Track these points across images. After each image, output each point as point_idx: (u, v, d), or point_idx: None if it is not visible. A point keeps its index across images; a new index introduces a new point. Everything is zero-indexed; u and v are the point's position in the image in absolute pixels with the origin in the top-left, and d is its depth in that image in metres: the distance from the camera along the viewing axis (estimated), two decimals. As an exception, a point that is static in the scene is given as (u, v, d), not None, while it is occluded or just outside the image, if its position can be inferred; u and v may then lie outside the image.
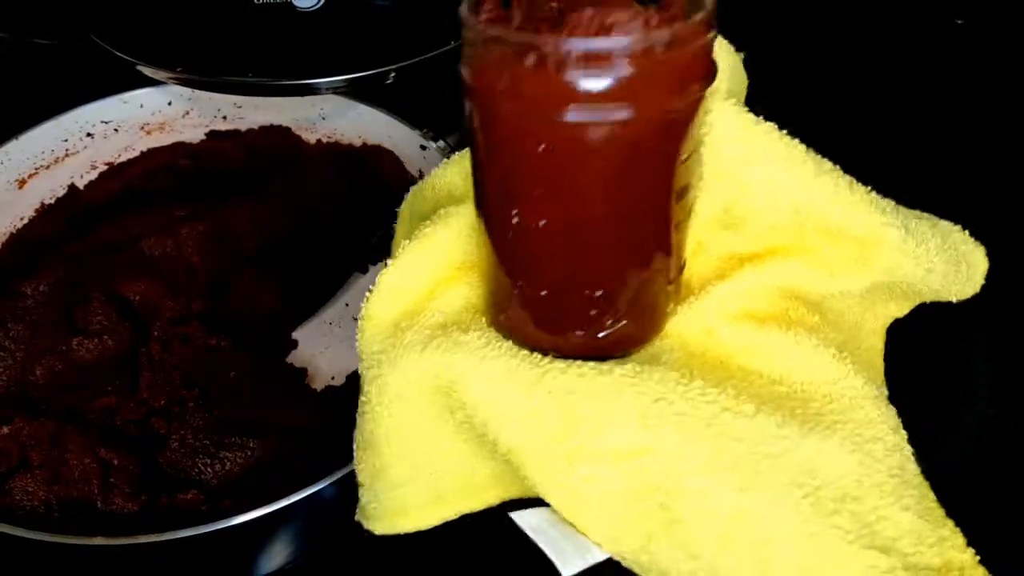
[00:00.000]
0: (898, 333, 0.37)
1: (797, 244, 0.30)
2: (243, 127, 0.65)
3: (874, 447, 0.28)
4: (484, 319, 0.30)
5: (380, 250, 0.59)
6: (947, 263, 0.31)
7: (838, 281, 0.31)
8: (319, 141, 0.64)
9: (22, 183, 0.59)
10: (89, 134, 0.61)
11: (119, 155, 0.63)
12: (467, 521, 0.51)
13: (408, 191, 0.40)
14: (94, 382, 0.50)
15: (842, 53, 0.77)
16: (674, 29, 0.23)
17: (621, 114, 0.23)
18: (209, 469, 0.46)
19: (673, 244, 0.27)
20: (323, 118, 0.63)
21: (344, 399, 0.48)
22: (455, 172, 0.36)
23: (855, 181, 0.30)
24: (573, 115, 0.23)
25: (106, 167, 0.63)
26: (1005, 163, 0.67)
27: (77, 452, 0.44)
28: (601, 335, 0.28)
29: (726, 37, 0.41)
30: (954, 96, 0.72)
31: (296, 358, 0.54)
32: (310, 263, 0.57)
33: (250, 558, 0.44)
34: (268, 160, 0.63)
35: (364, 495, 0.35)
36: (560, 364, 0.28)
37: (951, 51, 0.77)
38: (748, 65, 0.41)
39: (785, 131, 0.30)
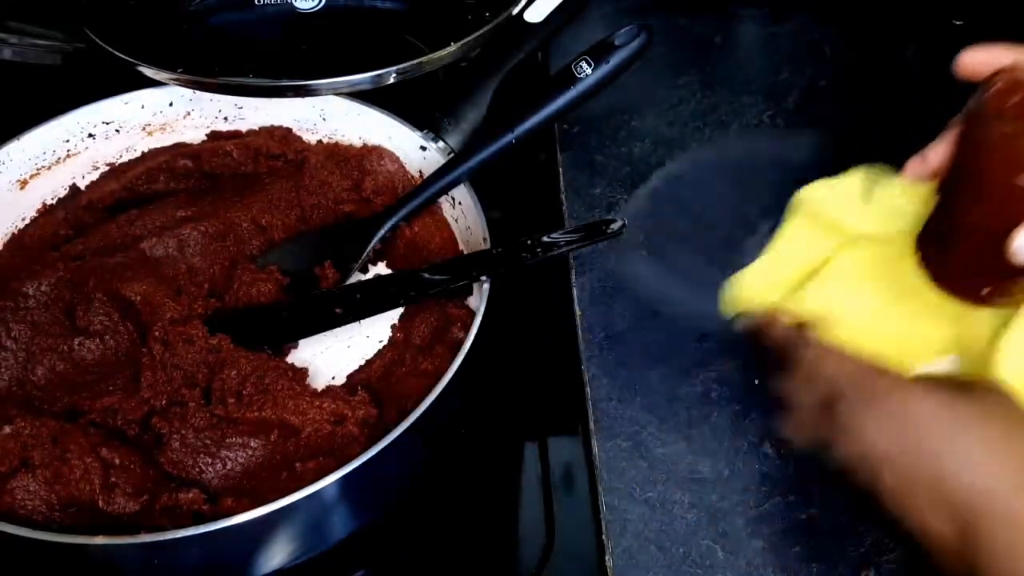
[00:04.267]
0: None
1: None
2: (244, 128, 0.65)
3: None
4: None
5: (380, 251, 0.59)
6: None
7: None
8: (320, 142, 0.64)
9: (24, 184, 0.59)
10: (91, 135, 0.61)
11: (120, 156, 0.63)
12: (467, 524, 0.51)
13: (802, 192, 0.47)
14: (95, 382, 0.50)
15: (842, 51, 0.78)
16: None
17: None
18: (210, 468, 0.46)
19: None
20: (324, 119, 0.63)
21: (344, 398, 0.49)
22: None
23: None
24: None
25: (107, 168, 0.63)
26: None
27: (78, 452, 0.45)
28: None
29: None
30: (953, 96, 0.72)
31: (297, 358, 0.54)
32: (311, 263, 0.57)
33: (251, 558, 0.44)
34: (269, 161, 0.63)
35: None
36: None
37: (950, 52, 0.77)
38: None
39: None
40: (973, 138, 0.40)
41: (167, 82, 0.60)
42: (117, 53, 0.59)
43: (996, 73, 0.41)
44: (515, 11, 0.63)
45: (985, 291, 0.42)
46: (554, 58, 0.74)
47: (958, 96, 0.72)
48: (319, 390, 0.51)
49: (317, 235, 0.59)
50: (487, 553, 0.50)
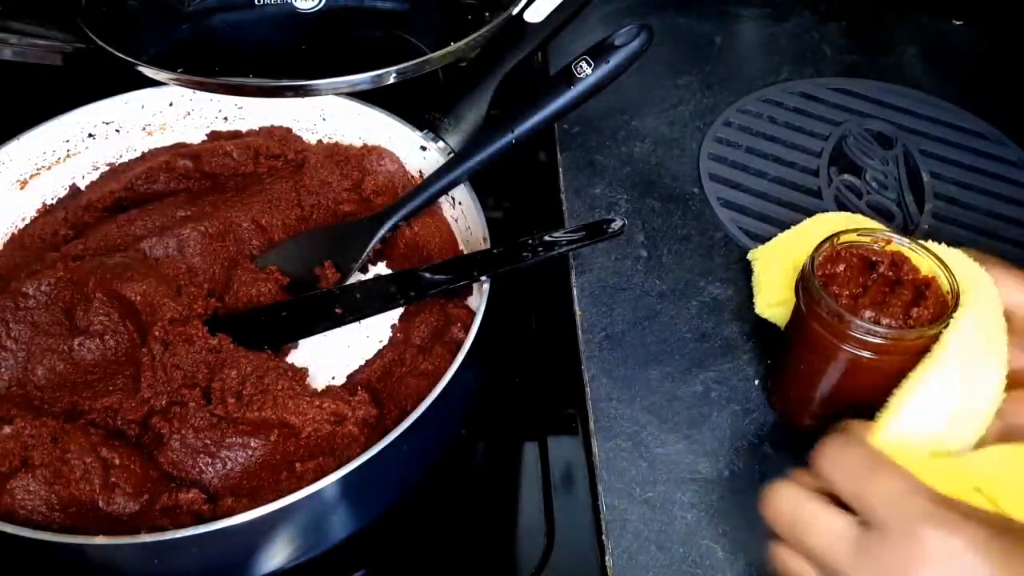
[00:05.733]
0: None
1: None
2: (244, 128, 0.65)
3: None
4: None
5: (381, 251, 0.60)
6: None
7: None
8: (320, 142, 0.64)
9: (24, 184, 0.59)
10: (91, 135, 0.61)
11: (120, 156, 0.63)
12: (467, 524, 0.51)
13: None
14: (95, 382, 0.50)
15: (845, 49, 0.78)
16: (918, 333, 0.42)
17: (874, 356, 0.44)
18: (210, 468, 0.46)
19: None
20: (324, 119, 0.63)
21: (344, 398, 0.49)
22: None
23: None
24: (852, 348, 0.44)
25: (107, 168, 0.63)
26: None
27: (79, 452, 0.45)
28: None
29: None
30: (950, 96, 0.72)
31: (297, 358, 0.54)
32: (311, 264, 0.57)
33: (251, 558, 0.44)
34: (269, 161, 0.63)
35: None
36: None
37: (950, 52, 0.78)
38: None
39: None
40: (808, 297, 0.46)
41: (167, 82, 0.60)
42: (117, 53, 0.60)
43: (825, 240, 0.47)
44: (515, 11, 0.63)
45: (805, 421, 0.51)
46: (554, 58, 0.74)
47: (958, 95, 0.73)
48: (319, 390, 0.51)
49: (317, 235, 0.59)
50: (487, 553, 0.50)
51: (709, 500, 0.48)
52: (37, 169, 0.60)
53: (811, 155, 0.68)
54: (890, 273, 0.46)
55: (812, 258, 0.46)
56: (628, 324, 0.57)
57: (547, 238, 0.50)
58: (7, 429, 0.46)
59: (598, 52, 0.56)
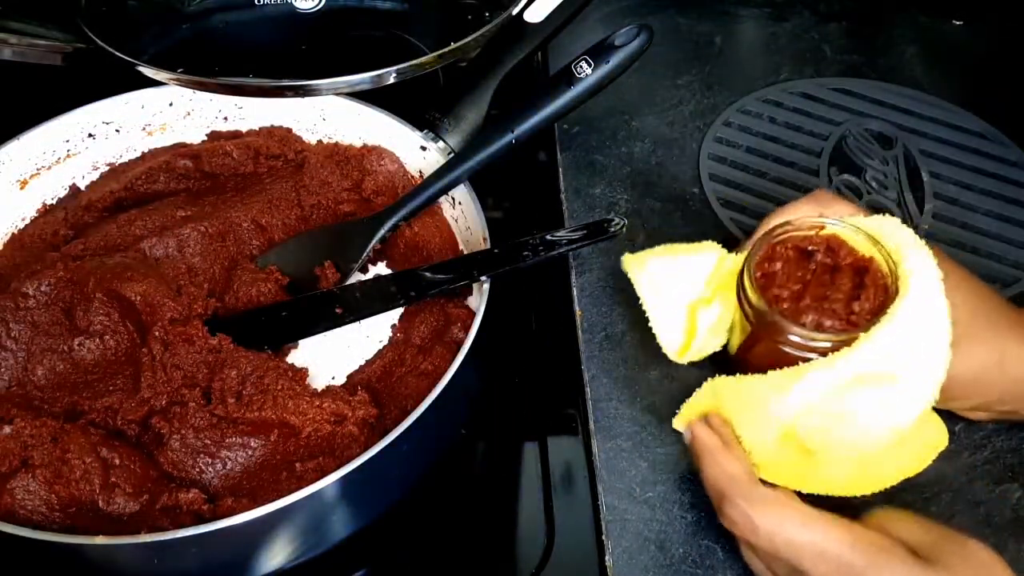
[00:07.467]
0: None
1: None
2: (244, 128, 0.65)
3: None
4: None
5: (381, 251, 0.60)
6: None
7: None
8: (320, 142, 0.64)
9: (24, 184, 0.59)
10: (91, 135, 0.61)
11: (120, 156, 0.63)
12: (467, 524, 0.51)
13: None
14: (95, 382, 0.50)
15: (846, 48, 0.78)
16: (850, 337, 0.42)
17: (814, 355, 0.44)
18: (210, 469, 0.46)
19: None
20: (324, 119, 0.63)
21: (344, 398, 0.49)
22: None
23: None
24: (788, 348, 0.44)
25: (107, 168, 0.63)
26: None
27: (78, 452, 0.45)
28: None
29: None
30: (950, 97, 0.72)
31: (297, 358, 0.54)
32: (311, 264, 0.57)
33: (251, 558, 0.44)
34: (269, 161, 0.63)
35: None
36: None
37: (950, 52, 0.78)
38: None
39: None
40: (744, 290, 0.46)
41: (167, 82, 0.60)
42: (117, 53, 0.60)
43: (766, 233, 0.46)
44: (515, 11, 0.63)
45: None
46: (554, 58, 0.74)
47: (958, 95, 0.73)
48: (319, 390, 0.51)
49: (317, 235, 0.59)
50: (487, 553, 0.50)
51: (709, 500, 0.48)
52: (37, 169, 0.60)
53: (811, 155, 0.68)
54: (828, 260, 0.46)
55: (749, 264, 0.45)
56: (628, 324, 0.57)
57: (547, 238, 0.51)
58: (7, 429, 0.46)
59: (598, 52, 0.56)
